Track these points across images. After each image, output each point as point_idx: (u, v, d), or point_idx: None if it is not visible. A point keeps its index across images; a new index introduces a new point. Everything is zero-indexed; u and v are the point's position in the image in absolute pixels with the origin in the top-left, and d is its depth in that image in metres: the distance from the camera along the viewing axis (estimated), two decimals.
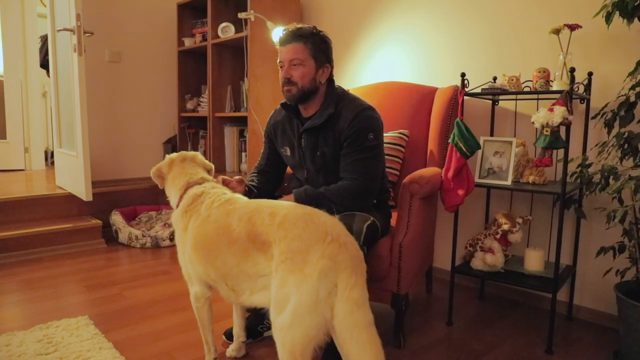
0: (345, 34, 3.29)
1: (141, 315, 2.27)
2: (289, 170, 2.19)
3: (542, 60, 2.34)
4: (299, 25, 1.87)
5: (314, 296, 1.23)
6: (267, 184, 2.09)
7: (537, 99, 2.32)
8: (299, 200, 1.78)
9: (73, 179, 3.46)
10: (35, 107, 5.30)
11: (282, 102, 1.99)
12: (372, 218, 1.79)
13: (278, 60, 1.89)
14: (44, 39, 5.29)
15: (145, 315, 2.26)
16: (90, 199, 3.26)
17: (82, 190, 3.26)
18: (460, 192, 2.06)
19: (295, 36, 1.82)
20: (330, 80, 1.93)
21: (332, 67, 1.91)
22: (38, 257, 3.14)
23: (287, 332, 1.26)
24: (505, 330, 2.18)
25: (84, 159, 3.19)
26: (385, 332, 2.12)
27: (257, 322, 2.04)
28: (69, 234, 3.30)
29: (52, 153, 5.56)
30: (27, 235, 3.13)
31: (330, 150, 1.87)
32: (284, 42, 1.85)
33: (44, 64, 5.36)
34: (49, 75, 4.76)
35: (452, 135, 2.08)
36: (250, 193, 1.99)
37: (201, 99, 3.89)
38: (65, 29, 3.22)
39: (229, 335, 2.01)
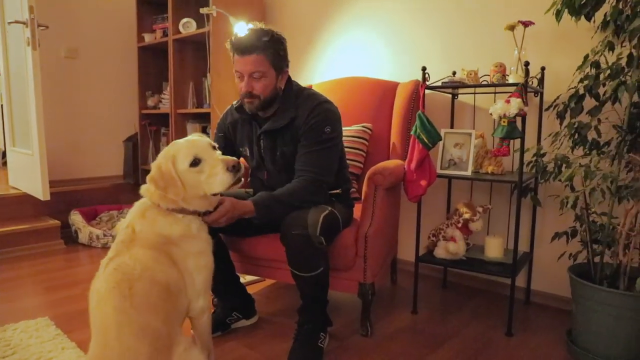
0: (309, 29, 3.31)
1: None
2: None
3: (499, 55, 2.42)
4: (255, 28, 1.79)
5: None
6: None
7: (495, 92, 2.41)
8: (258, 208, 1.71)
9: (28, 178, 3.34)
10: None
11: (237, 106, 1.95)
12: (329, 209, 1.81)
13: (234, 70, 1.81)
14: None
15: None
16: (48, 198, 3.15)
17: (39, 189, 3.15)
18: (423, 182, 2.11)
19: (255, 48, 1.73)
20: (288, 80, 1.89)
21: (288, 68, 1.87)
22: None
23: None
24: (468, 316, 2.25)
25: (40, 157, 3.08)
26: (352, 321, 2.16)
27: (225, 315, 2.04)
28: (26, 235, 3.19)
29: (4, 153, 5.34)
30: None
31: (289, 149, 1.87)
32: (241, 52, 1.74)
33: None
34: None
35: (414, 128, 2.13)
36: None
37: (162, 96, 3.83)
38: (17, 22, 3.10)
39: None
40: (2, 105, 4.71)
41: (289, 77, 1.91)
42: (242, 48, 1.74)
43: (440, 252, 2.25)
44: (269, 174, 1.97)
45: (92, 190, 3.80)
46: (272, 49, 1.76)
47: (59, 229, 3.35)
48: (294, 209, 1.75)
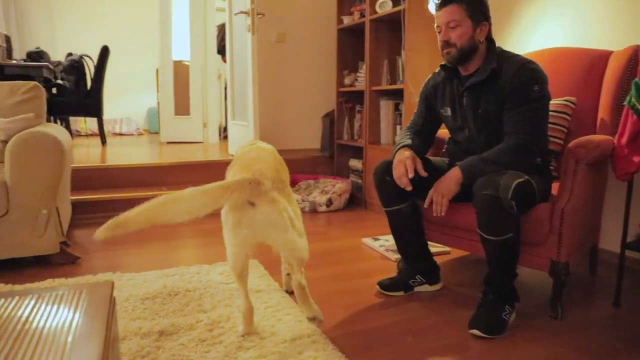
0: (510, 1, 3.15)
1: None
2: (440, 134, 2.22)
3: None
4: None
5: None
6: (420, 145, 2.10)
7: None
8: (464, 168, 1.83)
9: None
10: (212, 88, 6.01)
11: (442, 63, 2.03)
12: (526, 177, 1.75)
13: (435, 26, 1.93)
14: (220, 28, 5.95)
15: (305, 265, 2.49)
16: None
17: None
18: (636, 159, 1.88)
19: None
20: (490, 39, 1.92)
21: (490, 24, 1.90)
22: (212, 212, 3.61)
23: None
24: None
25: (254, 127, 3.57)
26: (541, 301, 2.06)
27: (410, 276, 2.13)
28: None
29: (225, 128, 6.26)
30: None
31: (492, 107, 1.87)
32: (438, 6, 1.89)
33: (220, 50, 6.04)
34: (224, 60, 5.36)
35: (628, 97, 1.90)
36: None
37: (358, 74, 4.05)
38: (241, 12, 3.62)
39: (384, 286, 2.13)
40: (226, 88, 5.55)
41: (492, 39, 1.93)
42: (438, 2, 1.88)
43: None
44: (470, 132, 1.99)
45: (293, 161, 4.24)
46: (469, 1, 1.84)
47: None
48: (499, 169, 1.77)
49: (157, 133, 7.25)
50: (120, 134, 7.71)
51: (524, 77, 1.80)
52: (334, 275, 2.36)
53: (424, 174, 1.91)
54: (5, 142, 2.39)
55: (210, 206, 1.48)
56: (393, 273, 2.31)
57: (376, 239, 2.87)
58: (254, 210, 1.53)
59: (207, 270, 2.30)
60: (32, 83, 2.84)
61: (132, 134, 7.73)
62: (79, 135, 7.36)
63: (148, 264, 2.47)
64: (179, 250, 2.74)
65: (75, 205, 3.21)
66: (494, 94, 1.86)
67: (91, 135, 7.16)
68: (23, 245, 2.30)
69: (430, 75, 2.16)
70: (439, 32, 1.91)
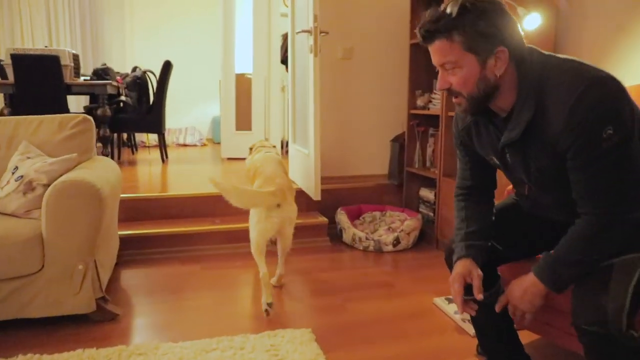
0: (618, 6, 2.60)
1: (361, 335, 2.14)
2: None
3: None
4: (441, 10, 1.29)
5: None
6: (483, 207, 1.62)
7: None
8: (548, 283, 1.34)
9: (303, 175, 3.57)
10: (275, 102, 5.77)
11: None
12: None
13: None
14: (285, 38, 5.68)
15: (365, 337, 2.13)
16: (319, 198, 3.30)
17: (312, 189, 3.32)
18: None
19: (435, 31, 1.28)
20: (517, 59, 1.31)
21: (509, 46, 1.28)
22: (269, 250, 3.32)
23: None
24: None
25: (315, 159, 3.23)
26: None
27: None
28: (298, 229, 3.39)
29: (287, 142, 6.00)
30: None
31: (546, 162, 1.34)
32: (423, 40, 1.33)
33: (284, 60, 5.77)
34: (287, 71, 5.09)
35: None
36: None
37: (433, 95, 3.60)
38: (303, 31, 3.29)
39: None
40: (288, 103, 5.28)
41: (522, 56, 1.32)
42: (423, 35, 1.32)
43: None
44: (530, 189, 1.50)
45: (357, 189, 3.88)
46: (464, 27, 1.25)
47: (327, 226, 3.50)
48: (591, 265, 1.28)
49: (220, 143, 7.17)
50: (184, 145, 7.69)
51: (584, 125, 1.19)
52: (396, 356, 1.98)
53: (479, 297, 1.45)
54: (48, 186, 2.22)
55: (256, 204, 2.46)
56: (470, 355, 1.90)
57: (450, 301, 2.44)
58: (279, 209, 2.43)
59: (252, 343, 1.98)
60: (82, 116, 2.67)
61: (195, 145, 7.70)
62: (144, 146, 7.41)
63: (190, 325, 2.20)
64: (227, 305, 2.45)
65: (124, 240, 3.04)
66: (543, 148, 1.32)
67: (155, 146, 7.17)
68: (57, 303, 2.11)
69: (456, 113, 1.60)
70: (438, 73, 1.39)
